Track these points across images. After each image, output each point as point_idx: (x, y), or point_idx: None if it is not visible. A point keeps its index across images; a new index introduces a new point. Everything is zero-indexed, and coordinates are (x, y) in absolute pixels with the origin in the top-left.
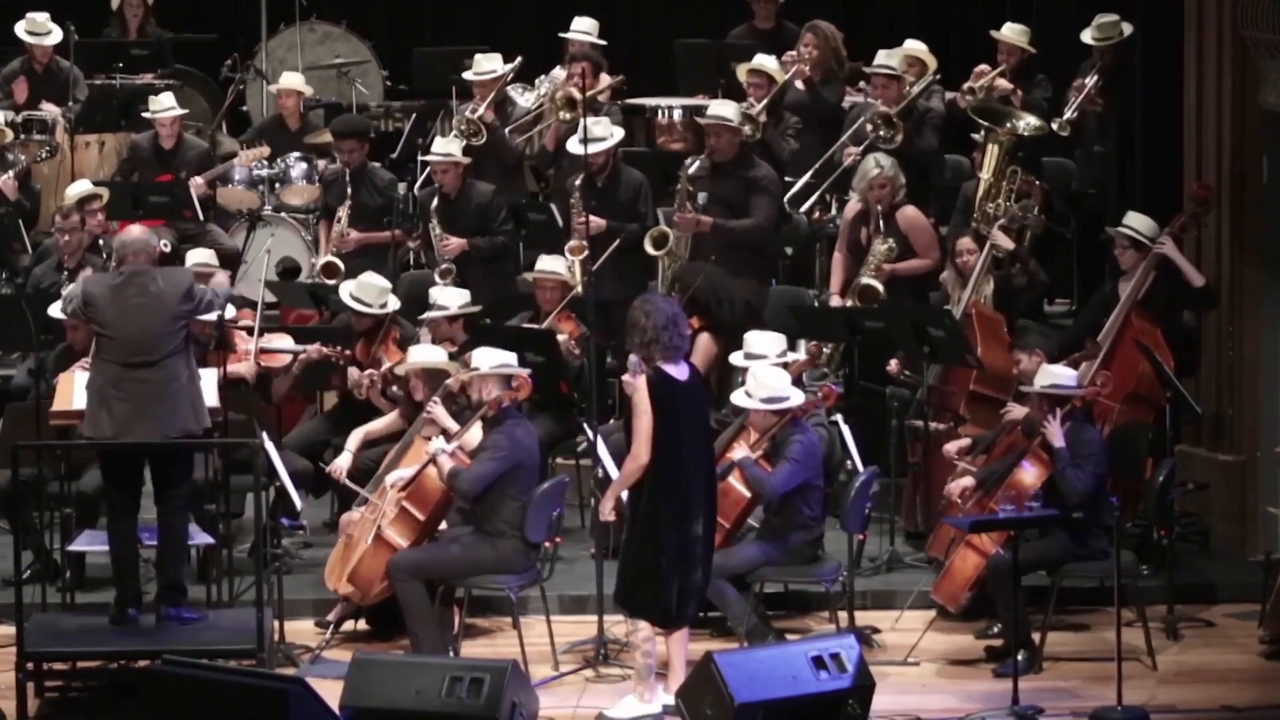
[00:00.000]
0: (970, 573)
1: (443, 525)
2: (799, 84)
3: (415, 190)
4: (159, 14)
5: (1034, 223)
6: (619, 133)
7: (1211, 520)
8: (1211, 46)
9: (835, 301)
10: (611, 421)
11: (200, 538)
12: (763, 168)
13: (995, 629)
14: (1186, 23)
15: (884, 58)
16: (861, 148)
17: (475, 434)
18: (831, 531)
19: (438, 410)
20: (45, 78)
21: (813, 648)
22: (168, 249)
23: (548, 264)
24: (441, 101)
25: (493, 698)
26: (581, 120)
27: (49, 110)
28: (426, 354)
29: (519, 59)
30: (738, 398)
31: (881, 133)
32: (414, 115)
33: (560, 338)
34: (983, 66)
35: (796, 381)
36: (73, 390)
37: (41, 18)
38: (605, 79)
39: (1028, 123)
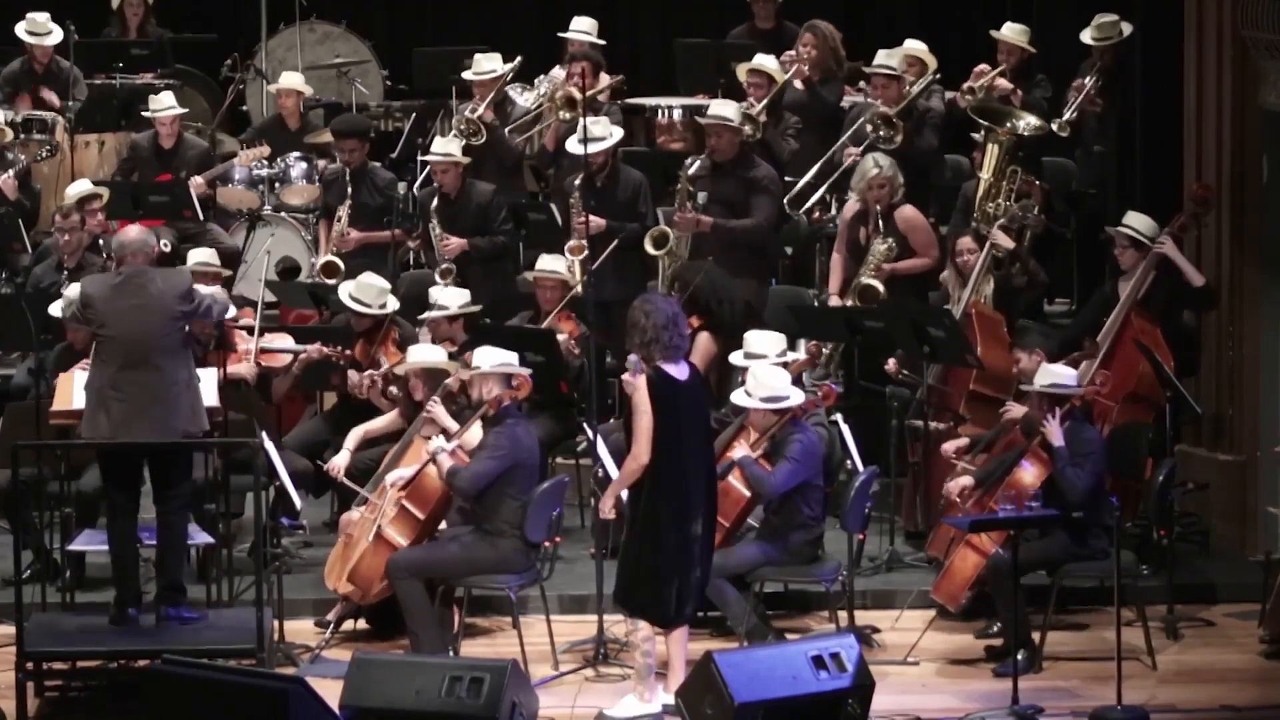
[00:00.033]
0: (970, 572)
1: (443, 525)
2: (798, 84)
3: (415, 190)
4: (159, 14)
5: (1034, 223)
6: (618, 132)
7: (1211, 520)
8: (1211, 46)
9: (834, 302)
10: (611, 421)
11: (200, 538)
12: (763, 168)
13: (995, 628)
14: (1186, 23)
15: (884, 58)
16: (861, 148)
17: (475, 433)
18: (831, 531)
19: (437, 409)
20: (45, 78)
21: (813, 647)
22: (168, 249)
23: (548, 263)
24: (441, 101)
25: (493, 697)
26: (581, 120)
27: (49, 99)
28: (426, 354)
29: (519, 59)
30: (738, 397)
31: (881, 133)
32: (414, 115)
33: (560, 338)
34: (983, 66)
35: (796, 381)
36: (73, 390)
37: (42, 18)
38: (605, 79)
39: (1028, 123)
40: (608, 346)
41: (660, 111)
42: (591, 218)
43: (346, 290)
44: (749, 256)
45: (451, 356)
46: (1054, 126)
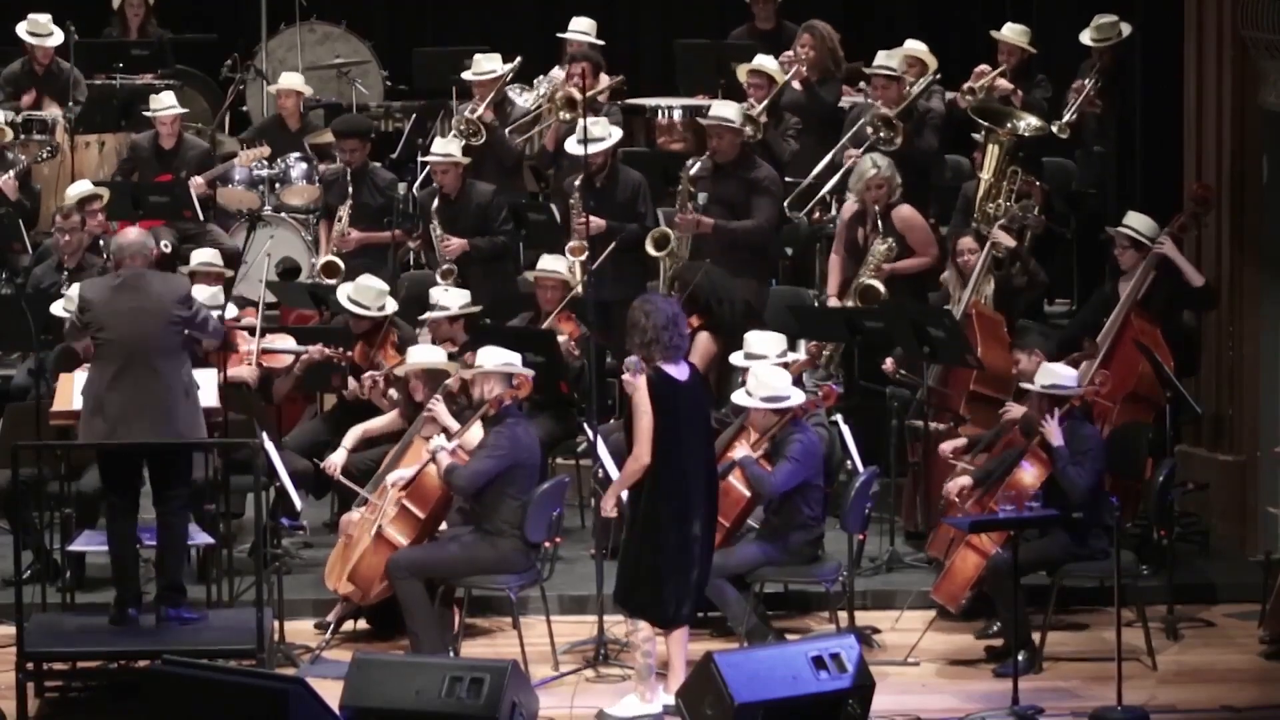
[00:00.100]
0: (970, 573)
1: (443, 526)
2: (796, 84)
3: (415, 190)
4: (159, 14)
5: (1034, 223)
6: (617, 133)
7: (1211, 520)
8: (1211, 46)
9: (833, 303)
10: (611, 421)
11: (200, 538)
12: (764, 168)
13: (995, 629)
14: (1186, 23)
15: (884, 58)
16: (862, 150)
17: (475, 433)
18: (831, 531)
19: (438, 409)
20: (46, 78)
21: (813, 648)
22: (168, 249)
23: (549, 263)
24: (441, 101)
25: (493, 698)
26: (581, 121)
27: (50, 110)
28: (426, 354)
29: (518, 59)
30: (738, 397)
31: (881, 135)
32: (414, 115)
33: (560, 338)
34: (983, 66)
35: (796, 382)
36: (73, 390)
37: (43, 19)
38: (604, 79)
39: (1028, 123)
40: (608, 347)
41: (660, 112)
42: (591, 218)
43: (345, 292)
44: (749, 257)
45: (452, 357)
46: (1054, 129)
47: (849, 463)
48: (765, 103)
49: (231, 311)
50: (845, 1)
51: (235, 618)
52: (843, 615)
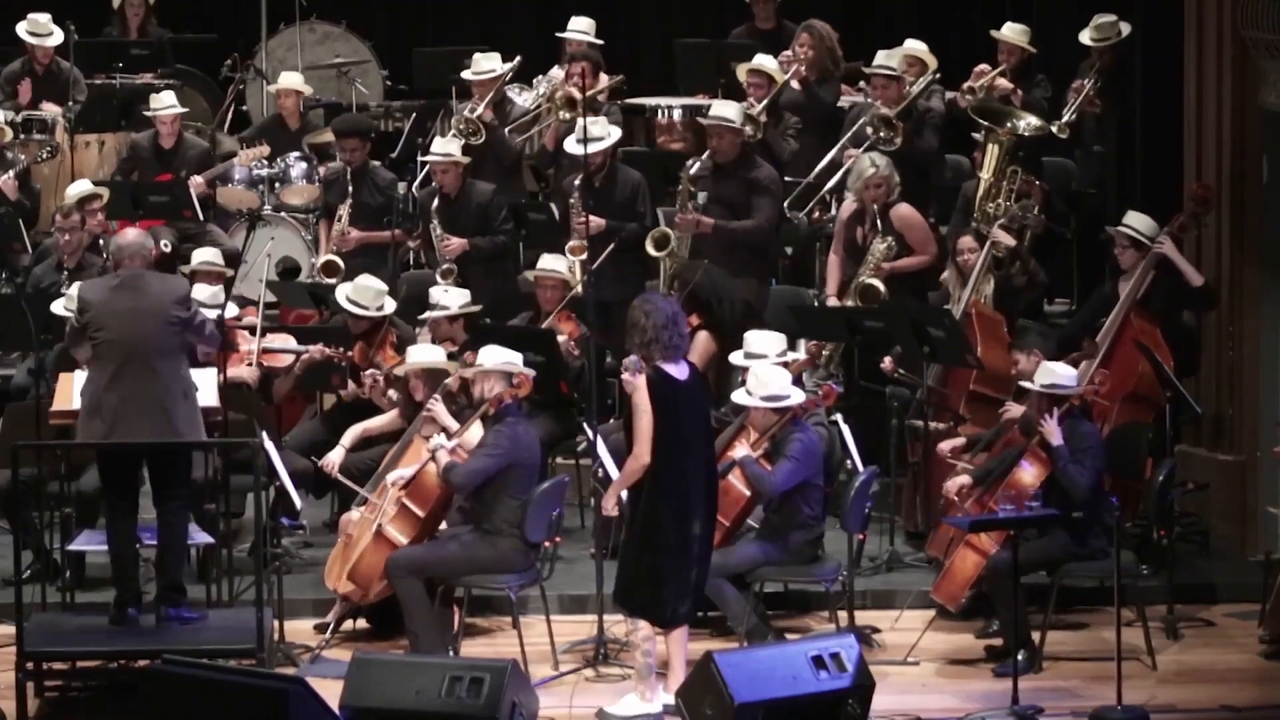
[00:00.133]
0: (970, 572)
1: (443, 525)
2: (794, 84)
3: (415, 190)
4: (159, 14)
5: (1034, 223)
6: (616, 132)
7: (1211, 520)
8: (1211, 46)
9: (833, 303)
10: (611, 421)
11: (200, 538)
12: (764, 168)
13: (994, 628)
14: (1186, 23)
15: (884, 58)
16: (862, 150)
17: (475, 432)
18: (831, 531)
19: (438, 409)
20: (46, 78)
21: (813, 647)
22: (169, 249)
23: (549, 263)
24: (441, 101)
25: (493, 698)
26: (581, 120)
27: (49, 110)
28: (425, 354)
29: (518, 58)
30: (739, 396)
31: (881, 134)
32: (414, 115)
33: (560, 338)
34: (983, 66)
35: (796, 381)
36: (73, 390)
37: (43, 19)
38: (604, 79)
39: (1028, 123)
40: (608, 346)
41: (660, 111)
42: (591, 218)
43: (343, 293)
44: (749, 256)
45: (451, 356)
46: (1054, 129)
47: (849, 462)
48: (765, 102)
49: (232, 311)
50: (845, 1)
51: (235, 617)
52: (843, 615)
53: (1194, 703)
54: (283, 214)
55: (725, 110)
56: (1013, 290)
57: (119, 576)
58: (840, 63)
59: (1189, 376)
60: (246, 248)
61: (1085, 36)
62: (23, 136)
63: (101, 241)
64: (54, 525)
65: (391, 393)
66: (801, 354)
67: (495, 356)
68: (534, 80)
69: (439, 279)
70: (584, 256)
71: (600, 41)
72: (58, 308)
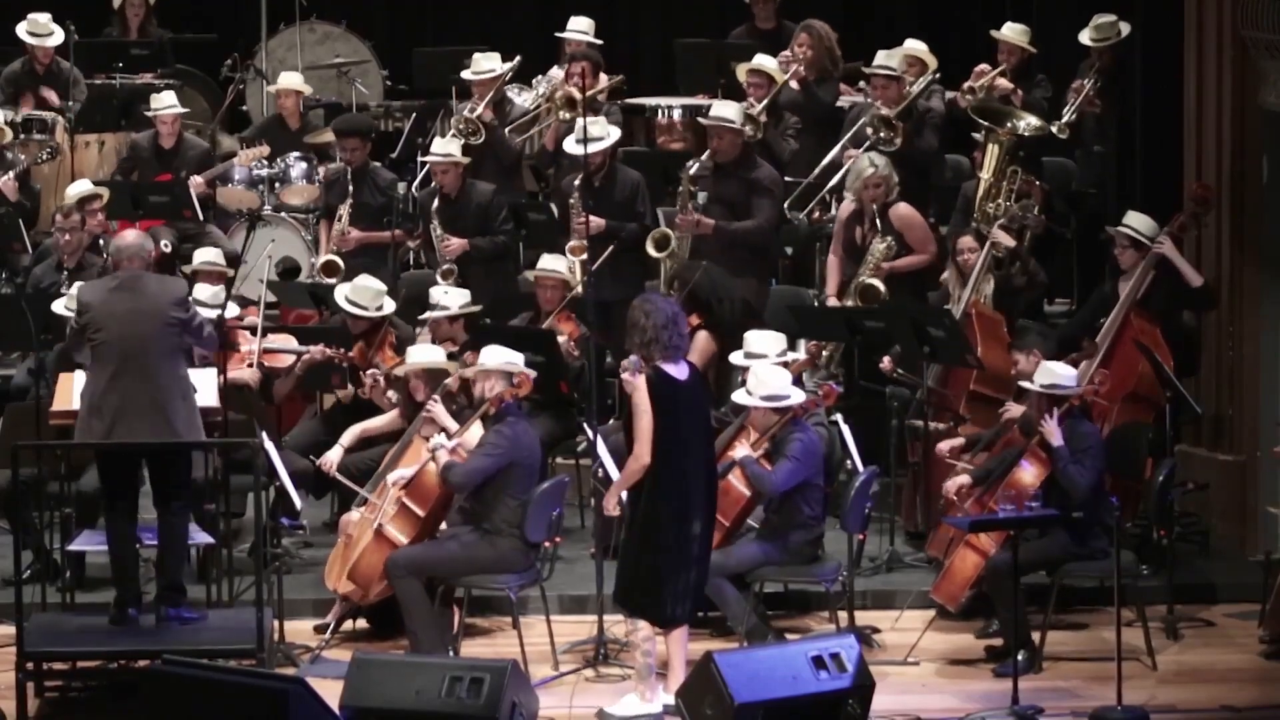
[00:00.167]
0: (970, 572)
1: (443, 526)
2: (793, 84)
3: (414, 190)
4: (159, 14)
5: (1034, 223)
6: (615, 132)
7: (1211, 520)
8: (1211, 46)
9: (833, 303)
10: (611, 421)
11: (200, 538)
12: (765, 168)
13: (994, 628)
14: (1186, 23)
15: (884, 58)
16: (862, 150)
17: (476, 432)
18: (831, 531)
19: (437, 409)
20: (46, 78)
21: (813, 648)
22: (169, 249)
23: (549, 263)
24: (441, 101)
25: (493, 698)
26: (581, 120)
27: (51, 98)
28: (425, 354)
29: (518, 58)
30: (739, 396)
31: (881, 134)
32: (414, 115)
33: (560, 338)
34: (983, 66)
35: (796, 381)
36: (73, 390)
37: (43, 19)
38: (604, 79)
39: (1028, 123)
40: (608, 347)
41: (660, 111)
42: (591, 218)
43: (342, 293)
44: (749, 256)
45: (451, 357)
46: (1054, 129)
47: (849, 462)
48: (765, 102)
49: (233, 311)
50: (845, 1)
51: (235, 618)
52: (843, 615)
53: (1194, 703)
54: (283, 214)
55: (725, 110)
56: (1013, 290)
57: (119, 577)
58: (839, 63)
59: (1189, 376)
60: (246, 248)
61: (1085, 36)
62: (23, 137)
63: (102, 241)
64: (54, 525)
65: (391, 393)
66: (801, 354)
67: (497, 356)
68: (533, 80)
69: (439, 279)
70: (584, 257)
71: (600, 41)
72: (58, 307)
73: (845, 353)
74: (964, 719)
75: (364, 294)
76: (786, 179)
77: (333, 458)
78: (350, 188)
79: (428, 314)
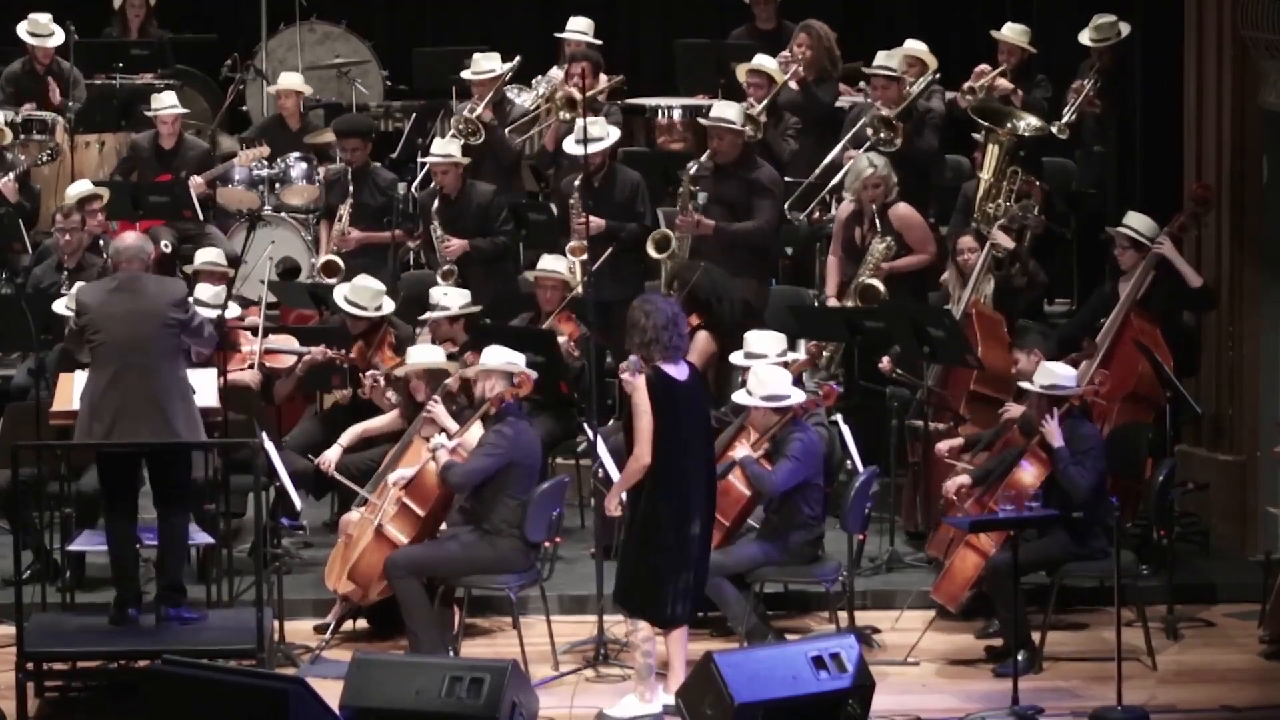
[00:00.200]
0: (970, 573)
1: (444, 526)
2: (792, 84)
3: (414, 190)
4: (159, 14)
5: (1034, 223)
6: (615, 133)
7: (1211, 520)
8: (1211, 46)
9: (833, 304)
10: (611, 422)
11: (200, 538)
12: (765, 169)
13: (994, 628)
14: (1186, 23)
15: (884, 59)
16: (862, 150)
17: (476, 432)
18: (831, 531)
19: (438, 409)
20: (46, 78)
21: (813, 648)
22: (169, 249)
23: (549, 263)
24: (441, 101)
25: (493, 698)
26: (581, 120)
27: (53, 94)
28: (425, 354)
29: (518, 58)
30: (739, 396)
31: (881, 135)
32: (414, 115)
33: (560, 338)
34: (983, 66)
35: (796, 382)
36: (73, 390)
37: (44, 19)
38: (603, 79)
39: (1028, 123)
40: (608, 347)
41: (660, 112)
42: (591, 218)
43: (341, 293)
44: (749, 256)
45: (451, 357)
46: (1054, 129)
47: (849, 462)
48: (765, 102)
49: (235, 311)
50: (845, 1)
51: (235, 618)
52: (843, 615)
53: (1194, 703)
54: (283, 214)
55: (726, 111)
56: (1013, 290)
57: (119, 577)
58: (838, 63)
59: (1189, 376)
60: (246, 248)
61: (1085, 37)
62: (23, 137)
63: (102, 242)
64: (54, 525)
65: (390, 394)
66: (801, 354)
67: (498, 356)
68: (533, 81)
69: (439, 280)
70: (584, 257)
71: (599, 41)
72: (59, 307)
73: (845, 353)
74: (964, 719)
75: (363, 294)
76: (786, 179)
77: (331, 456)
78: (350, 188)
79: (428, 314)
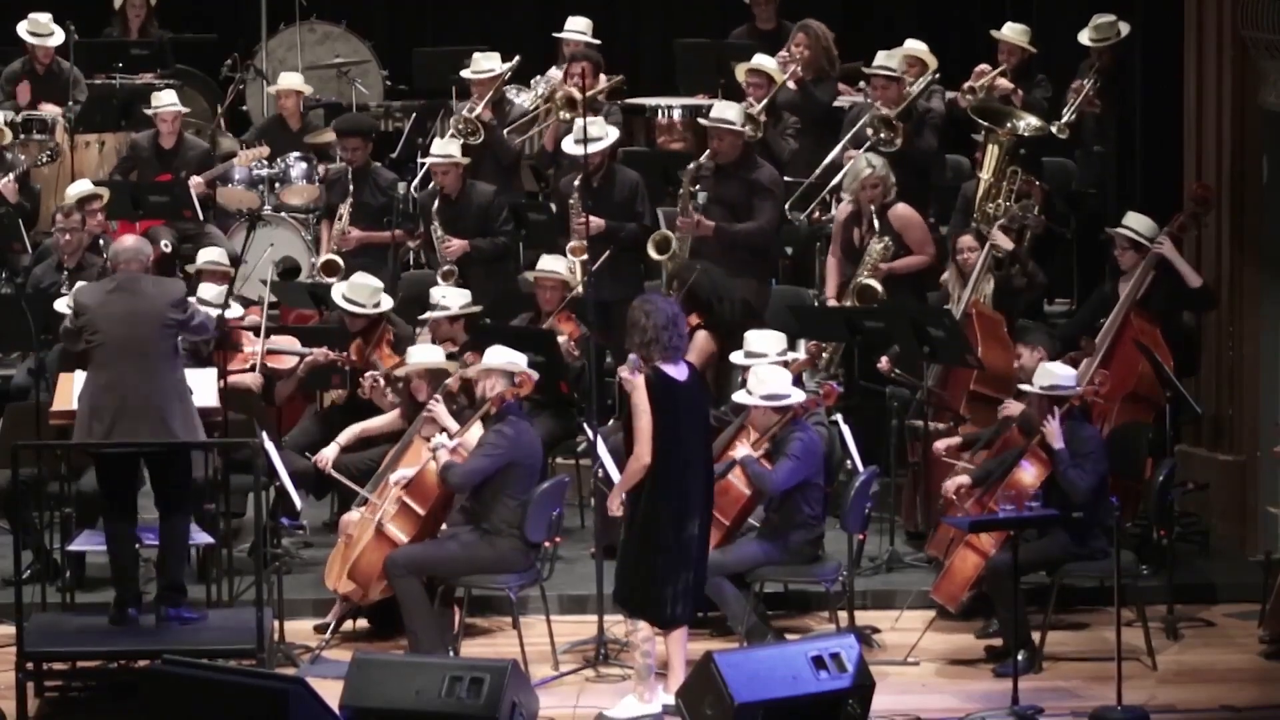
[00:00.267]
0: (970, 573)
1: (444, 526)
2: (790, 84)
3: (414, 190)
4: (159, 14)
5: (1034, 223)
6: (614, 133)
7: (1211, 520)
8: (1211, 46)
9: (833, 305)
10: (611, 422)
11: (200, 538)
12: (765, 169)
13: (994, 628)
14: (1186, 23)
15: (883, 59)
16: (862, 150)
17: (476, 432)
18: (831, 531)
19: (438, 409)
20: (46, 78)
21: (813, 648)
22: (169, 249)
23: (549, 263)
24: (441, 101)
25: (493, 698)
26: (581, 120)
27: (48, 110)
28: (426, 354)
29: (517, 58)
30: (739, 396)
31: (881, 135)
32: (414, 115)
33: (560, 338)
34: (983, 66)
35: (796, 381)
36: (73, 390)
37: (44, 19)
38: (603, 79)
39: (1028, 123)
40: (608, 347)
41: (660, 112)
42: (591, 218)
43: (340, 291)
44: (749, 257)
45: (451, 357)
46: (1054, 129)
47: (849, 462)
48: (765, 102)
49: (236, 311)
50: (845, 1)
51: (235, 618)
52: (843, 615)
53: (1194, 703)
54: (283, 214)
55: (726, 112)
56: (1013, 290)
57: (119, 577)
58: (836, 63)
59: (1189, 376)
60: (246, 248)
61: (1085, 37)
62: (23, 137)
63: (101, 242)
64: (54, 525)
65: (390, 396)
66: (801, 354)
67: (500, 356)
68: (533, 81)
69: (439, 280)
70: (584, 257)
71: (599, 41)
72: (60, 306)
73: (845, 353)
74: (964, 719)
75: (361, 291)
76: (786, 179)
77: (328, 454)
78: (351, 188)
79: (428, 314)
